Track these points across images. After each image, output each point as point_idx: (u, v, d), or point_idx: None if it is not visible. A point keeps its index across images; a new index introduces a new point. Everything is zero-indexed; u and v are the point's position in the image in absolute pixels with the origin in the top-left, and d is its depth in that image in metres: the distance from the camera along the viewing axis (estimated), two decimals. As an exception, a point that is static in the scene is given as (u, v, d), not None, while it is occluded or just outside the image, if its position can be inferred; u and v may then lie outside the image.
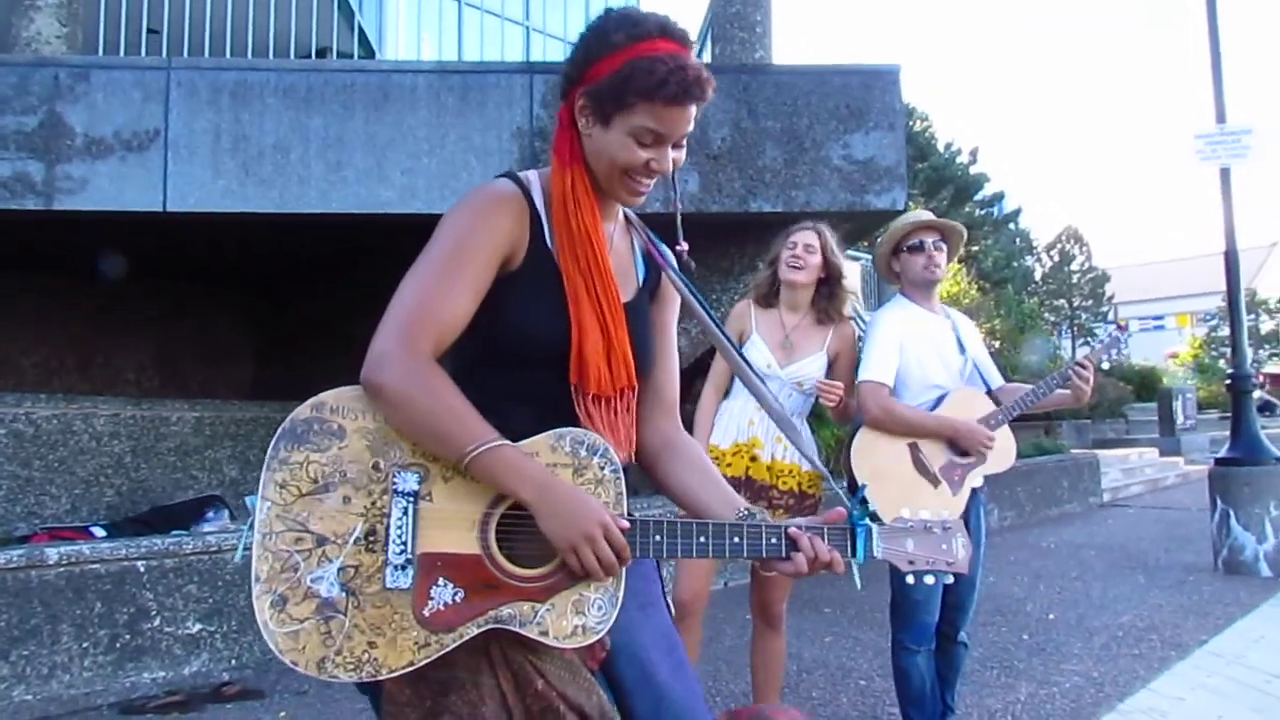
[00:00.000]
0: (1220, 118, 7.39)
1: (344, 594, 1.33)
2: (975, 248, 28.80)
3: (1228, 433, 7.47)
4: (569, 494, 1.37)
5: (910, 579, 1.54)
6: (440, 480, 1.38)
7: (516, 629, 1.36)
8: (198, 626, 4.36)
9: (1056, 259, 42.09)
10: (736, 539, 1.46)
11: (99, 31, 6.48)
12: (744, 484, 3.20)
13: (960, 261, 20.43)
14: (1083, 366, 3.18)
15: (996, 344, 15.92)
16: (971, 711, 3.91)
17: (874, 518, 1.52)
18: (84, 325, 8.17)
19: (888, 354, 3.23)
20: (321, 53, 8.87)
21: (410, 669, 1.33)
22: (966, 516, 3.15)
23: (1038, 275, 40.79)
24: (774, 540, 1.47)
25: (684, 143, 1.53)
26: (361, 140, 5.24)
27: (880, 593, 3.35)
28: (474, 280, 1.44)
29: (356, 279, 6.78)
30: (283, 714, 3.98)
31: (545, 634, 1.36)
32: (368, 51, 9.04)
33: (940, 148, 30.81)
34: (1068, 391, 3.22)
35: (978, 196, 32.58)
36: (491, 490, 1.38)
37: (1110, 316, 39.96)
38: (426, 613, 1.34)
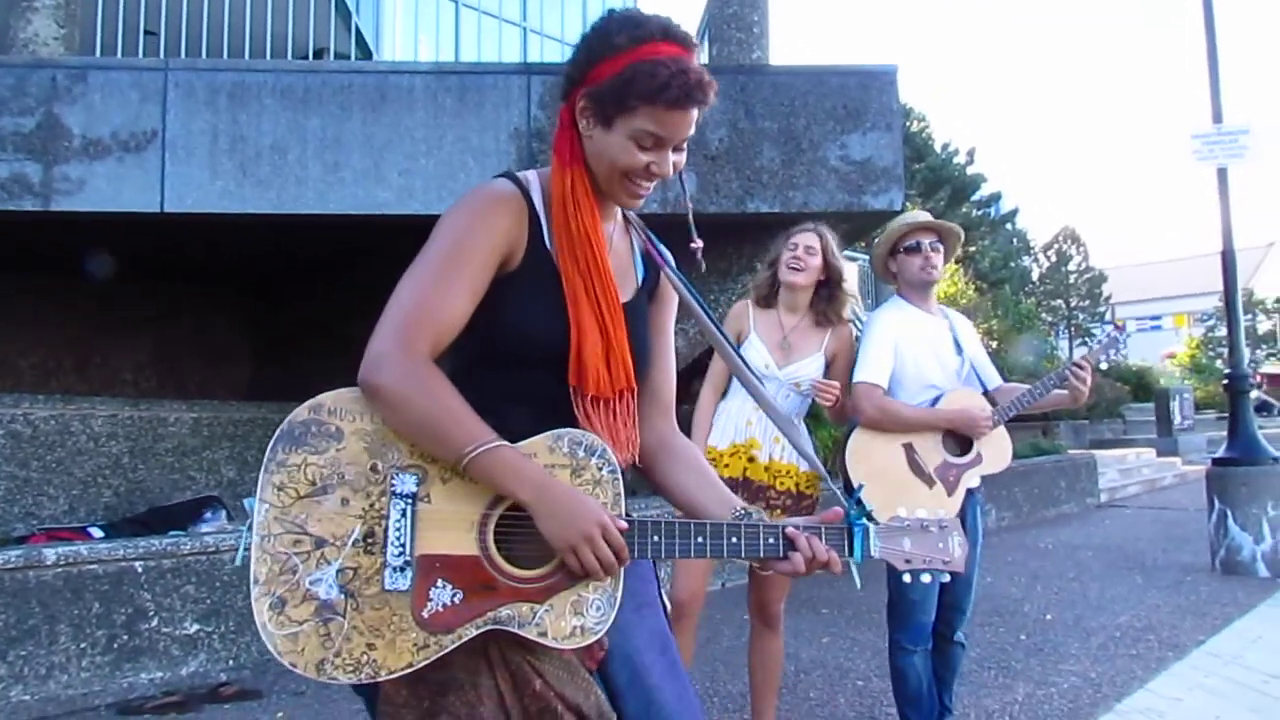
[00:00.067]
0: (1217, 118, 7.40)
1: (343, 596, 1.33)
2: (972, 248, 28.78)
3: (1225, 433, 7.48)
4: (567, 494, 1.37)
5: (907, 578, 1.54)
6: (438, 482, 1.38)
7: (515, 630, 1.36)
8: (195, 627, 4.36)
9: (1054, 259, 42.09)
10: (734, 539, 1.46)
11: (96, 33, 6.48)
12: (741, 485, 3.20)
13: (957, 262, 20.43)
14: (1080, 367, 3.18)
15: (994, 344, 15.92)
16: (969, 712, 3.91)
17: (870, 518, 1.52)
18: (81, 326, 8.16)
19: (882, 355, 3.23)
20: (319, 54, 8.88)
21: (409, 670, 1.33)
22: (963, 517, 3.16)
23: (1035, 276, 40.78)
24: (771, 540, 1.47)
25: (685, 146, 1.52)
26: (359, 141, 5.24)
27: (877, 593, 3.36)
28: (471, 281, 1.44)
29: (354, 280, 6.77)
30: (280, 714, 3.98)
31: (544, 635, 1.37)
32: (365, 52, 9.03)
33: (937, 148, 30.79)
34: (1065, 392, 3.22)
35: (975, 197, 32.57)
36: (490, 491, 1.38)
37: (1107, 317, 39.94)
38: (425, 614, 1.34)
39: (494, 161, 5.30)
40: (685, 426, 1.86)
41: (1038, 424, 14.50)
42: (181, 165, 5.09)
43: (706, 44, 7.00)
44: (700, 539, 1.44)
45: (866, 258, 9.35)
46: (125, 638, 4.16)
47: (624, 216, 1.69)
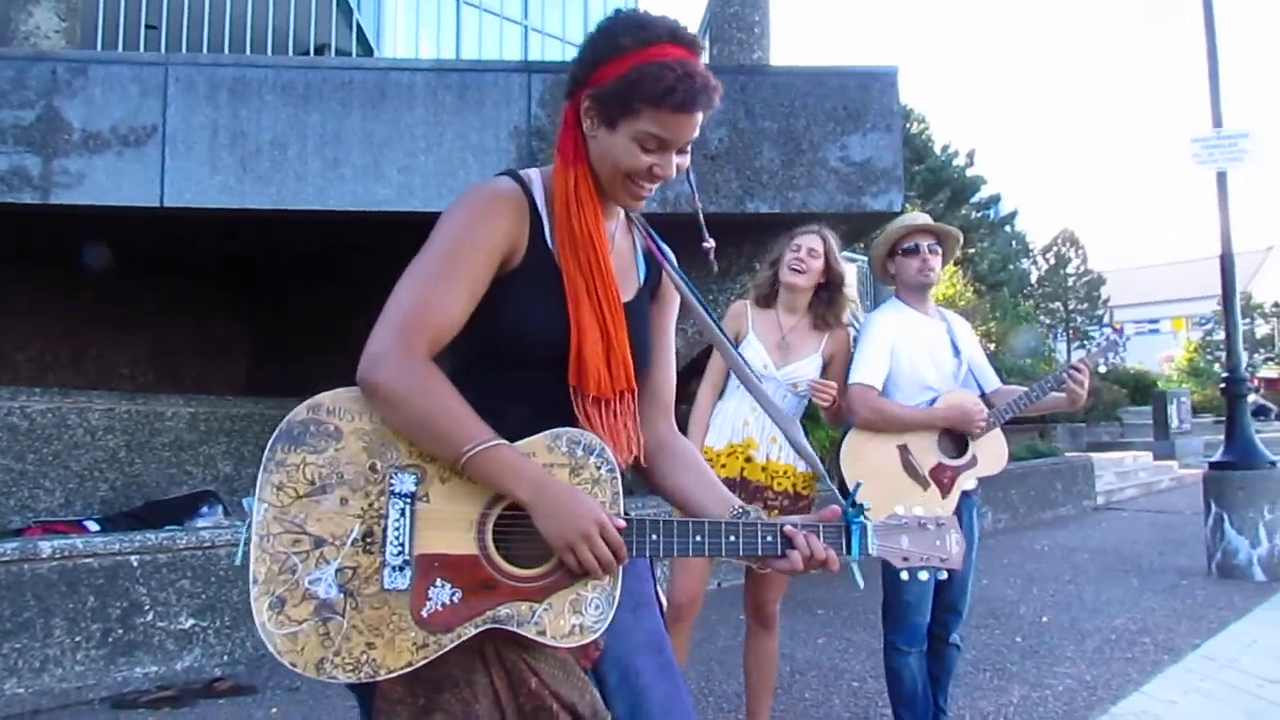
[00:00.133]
0: (1217, 121, 7.41)
1: (342, 595, 1.33)
2: (971, 250, 28.80)
3: (1222, 436, 7.49)
4: (565, 493, 1.37)
5: (905, 575, 1.54)
6: (437, 481, 1.38)
7: (514, 629, 1.36)
8: (190, 621, 4.35)
9: (1052, 262, 42.12)
10: (733, 537, 1.46)
11: (97, 26, 6.47)
12: (739, 485, 3.19)
13: (956, 264, 20.47)
14: (1077, 370, 3.18)
15: (992, 346, 15.94)
16: (964, 713, 3.92)
17: (867, 516, 1.52)
18: (79, 319, 8.14)
19: (878, 356, 3.23)
20: (320, 50, 8.87)
21: (409, 669, 1.33)
22: (959, 519, 3.15)
23: (1034, 278, 40.83)
24: (769, 538, 1.47)
25: (688, 148, 1.52)
26: (359, 137, 5.24)
27: (873, 594, 3.35)
28: (471, 280, 1.44)
29: (352, 276, 6.76)
30: (274, 710, 3.98)
31: (543, 633, 1.37)
32: (366, 49, 9.02)
33: (937, 150, 30.79)
34: (1062, 395, 3.22)
35: (974, 199, 32.57)
36: (489, 491, 1.38)
37: (1106, 320, 39.98)
38: (424, 613, 1.34)
39: (494, 159, 5.30)
40: (683, 427, 1.86)
41: (1035, 426, 14.52)
42: (181, 160, 5.08)
43: (707, 43, 6.99)
44: (699, 537, 1.45)
45: (865, 259, 9.36)
46: (120, 632, 4.16)
47: (626, 215, 1.68)
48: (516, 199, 1.50)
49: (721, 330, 1.71)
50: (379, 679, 1.33)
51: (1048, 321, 38.36)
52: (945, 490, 3.16)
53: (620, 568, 1.40)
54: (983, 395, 3.34)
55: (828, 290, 3.37)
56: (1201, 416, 22.35)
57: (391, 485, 1.37)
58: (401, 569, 1.35)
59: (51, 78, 5.02)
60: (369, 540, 1.35)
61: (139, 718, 3.92)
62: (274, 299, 9.25)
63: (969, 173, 31.92)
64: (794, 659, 4.73)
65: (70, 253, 6.72)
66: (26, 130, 4.96)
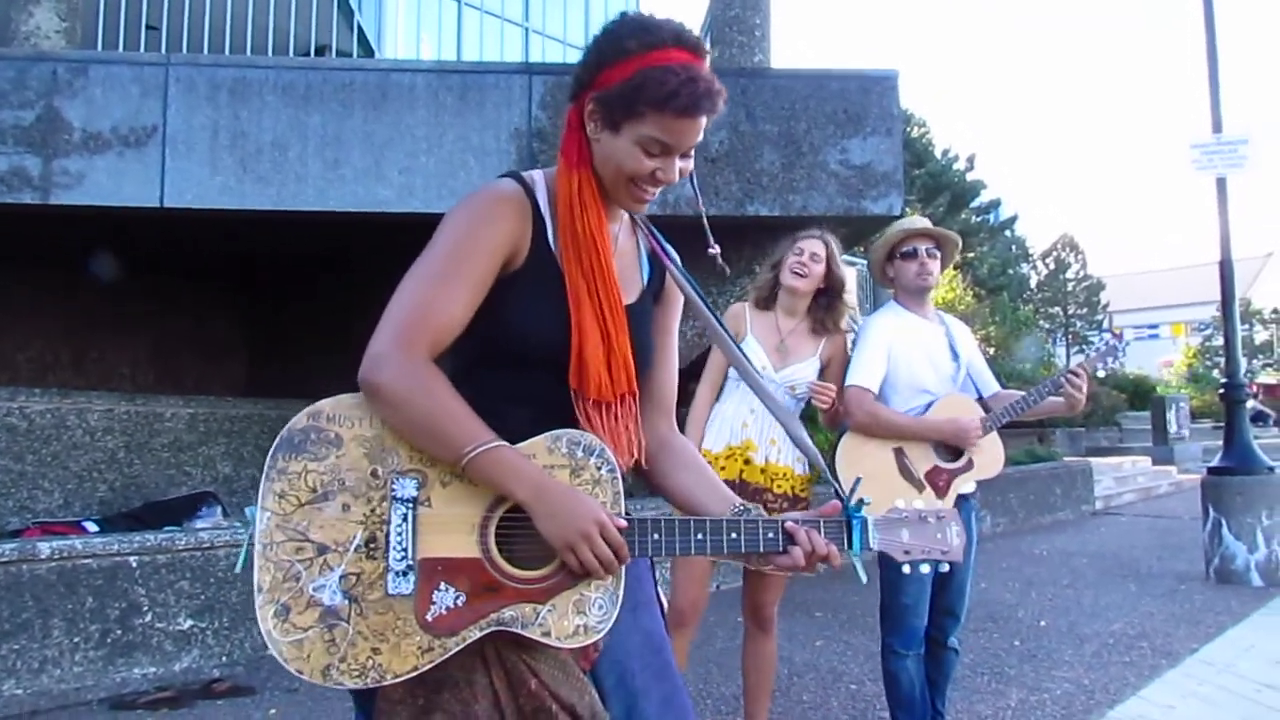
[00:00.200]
0: (1217, 127, 7.42)
1: (346, 601, 1.34)
2: (971, 254, 28.82)
3: (1221, 442, 7.49)
4: (565, 494, 1.37)
5: (906, 569, 1.55)
6: (438, 485, 1.39)
7: (519, 630, 1.37)
8: (189, 622, 4.35)
9: (1052, 266, 42.20)
10: (734, 535, 1.46)
11: (98, 26, 6.47)
12: (738, 488, 3.18)
13: (956, 268, 20.48)
14: (1075, 374, 3.17)
15: (991, 350, 15.95)
16: (962, 717, 3.92)
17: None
18: (79, 320, 8.15)
19: (875, 359, 3.23)
20: (320, 51, 8.87)
21: (414, 674, 1.34)
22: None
23: (1033, 283, 40.88)
24: (771, 535, 1.48)
25: (692, 153, 1.51)
26: (360, 139, 5.24)
27: (871, 597, 3.36)
28: (473, 282, 1.44)
29: (353, 277, 6.77)
30: (273, 711, 3.98)
31: (548, 634, 1.37)
32: (367, 50, 9.02)
33: (937, 154, 30.82)
34: (1060, 399, 3.21)
35: (974, 203, 32.61)
36: (490, 494, 1.39)
37: (1105, 324, 40.03)
38: (429, 617, 1.34)
39: (494, 160, 5.31)
40: (681, 428, 1.86)
41: (1034, 431, 14.52)
42: (182, 160, 5.09)
43: (708, 46, 7.00)
44: (700, 535, 1.45)
45: (865, 262, 9.37)
46: (119, 633, 4.16)
47: (631, 216, 1.67)
48: (519, 201, 1.50)
49: (725, 329, 1.71)
50: (385, 684, 1.34)
51: (1047, 326, 38.41)
52: (941, 493, 3.16)
53: (622, 568, 1.41)
54: (980, 399, 3.34)
55: (827, 295, 3.37)
56: (1200, 422, 22.35)
57: (393, 490, 1.37)
58: (405, 574, 1.35)
59: (52, 78, 5.02)
60: (372, 546, 1.36)
61: (137, 719, 3.91)
62: (274, 300, 9.25)
63: (969, 177, 31.95)
64: (792, 661, 4.73)
65: (71, 253, 6.73)
66: (27, 130, 4.97)
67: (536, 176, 1.56)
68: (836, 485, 1.63)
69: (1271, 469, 7.00)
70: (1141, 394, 22.60)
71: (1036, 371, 16.61)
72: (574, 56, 1.55)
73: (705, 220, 1.71)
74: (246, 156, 5.14)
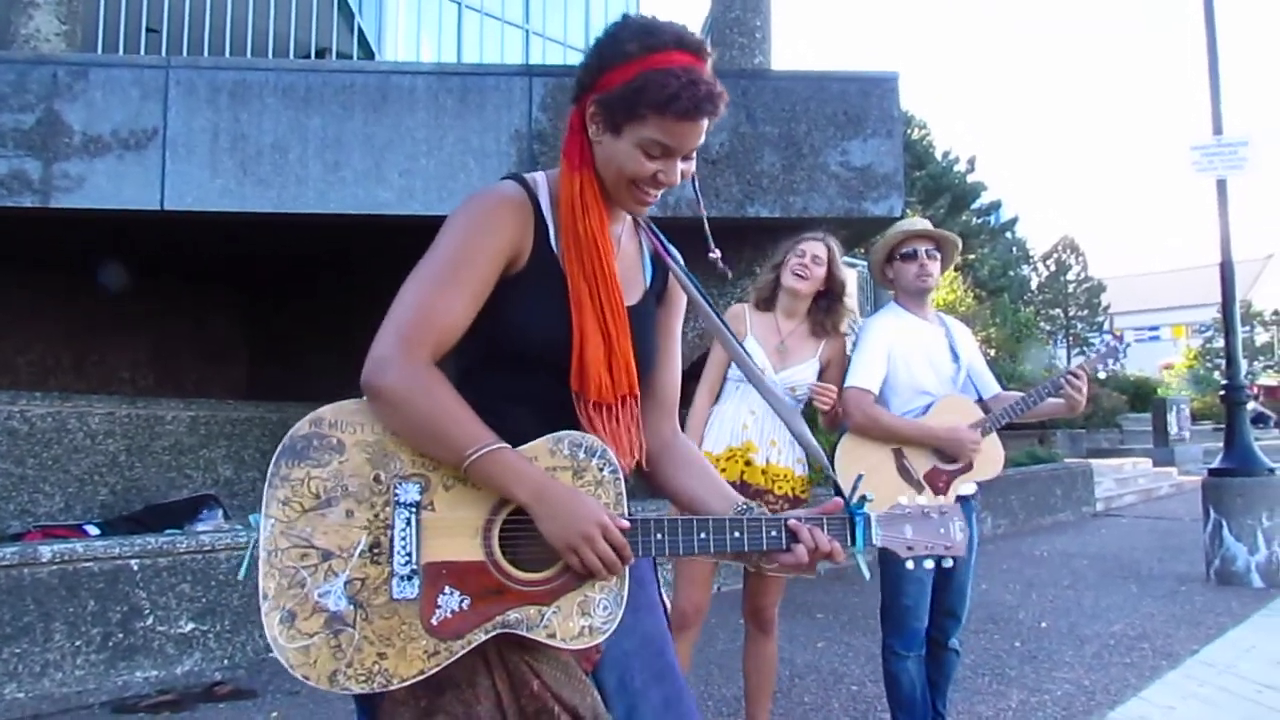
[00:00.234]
0: (1217, 129, 7.42)
1: (352, 607, 1.34)
2: (971, 256, 28.80)
3: (1221, 444, 7.49)
4: (566, 495, 1.38)
5: (910, 564, 1.55)
6: (441, 489, 1.39)
7: (524, 633, 1.37)
8: (190, 626, 4.35)
9: (1053, 268, 42.21)
10: (737, 533, 1.46)
11: (98, 29, 6.49)
12: (739, 489, 3.16)
13: (956, 270, 20.47)
14: (1075, 376, 3.17)
15: (992, 352, 15.94)
16: (963, 718, 3.92)
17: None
18: (79, 323, 8.15)
19: (875, 361, 3.23)
20: (321, 53, 8.87)
21: (421, 678, 1.34)
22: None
23: (1034, 284, 40.89)
24: (774, 533, 1.48)
25: (693, 155, 1.51)
26: (360, 141, 5.24)
27: (872, 598, 3.36)
28: (475, 285, 1.44)
29: (353, 280, 6.78)
30: (275, 714, 3.98)
31: (553, 636, 1.37)
32: (367, 52, 9.04)
33: (938, 155, 30.83)
34: (1061, 400, 3.21)
35: (975, 205, 32.62)
36: (493, 497, 1.39)
37: (1106, 326, 40.01)
38: (434, 621, 1.34)
39: (495, 163, 5.31)
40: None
41: (1034, 432, 14.52)
42: (182, 163, 5.09)
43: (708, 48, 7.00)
44: (703, 534, 1.45)
45: (866, 264, 9.37)
46: (120, 636, 4.16)
47: (633, 218, 1.67)
48: (521, 203, 1.50)
49: (728, 329, 1.71)
50: (391, 688, 1.34)
51: (1048, 328, 38.38)
52: (940, 494, 3.16)
53: (626, 568, 1.41)
54: (980, 401, 3.34)
55: (828, 298, 3.37)
56: (1201, 423, 22.38)
57: (396, 495, 1.37)
58: (409, 578, 1.35)
59: (52, 81, 5.03)
60: (376, 551, 1.36)
61: (138, 721, 3.92)
62: (275, 302, 9.26)
63: (970, 179, 31.97)
64: (793, 663, 4.73)
65: (71, 256, 6.73)
66: (27, 134, 4.97)
67: (539, 178, 1.56)
68: (838, 483, 1.63)
69: (1272, 470, 7.00)
70: (1142, 396, 22.61)
71: (1037, 373, 16.60)
72: (574, 59, 1.54)
73: (706, 224, 1.71)
74: (247, 159, 5.14)
